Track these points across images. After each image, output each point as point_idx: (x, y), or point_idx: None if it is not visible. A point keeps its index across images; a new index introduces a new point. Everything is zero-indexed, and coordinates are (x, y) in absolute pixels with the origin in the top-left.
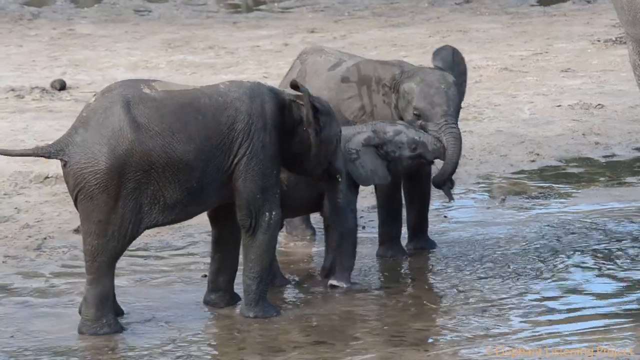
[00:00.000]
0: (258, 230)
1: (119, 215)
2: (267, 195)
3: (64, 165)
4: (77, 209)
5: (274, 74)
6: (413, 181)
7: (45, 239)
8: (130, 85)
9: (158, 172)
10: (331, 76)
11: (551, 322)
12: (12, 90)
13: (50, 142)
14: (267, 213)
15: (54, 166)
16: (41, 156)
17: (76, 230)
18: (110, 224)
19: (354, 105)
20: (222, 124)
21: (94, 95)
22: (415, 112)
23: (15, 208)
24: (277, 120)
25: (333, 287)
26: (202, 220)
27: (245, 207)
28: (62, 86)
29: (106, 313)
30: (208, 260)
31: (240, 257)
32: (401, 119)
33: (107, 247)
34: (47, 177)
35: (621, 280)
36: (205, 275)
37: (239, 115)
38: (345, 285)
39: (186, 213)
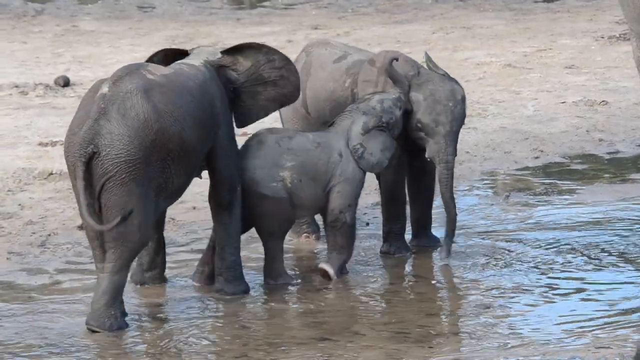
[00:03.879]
0: (234, 206)
1: (142, 202)
2: (236, 170)
3: (91, 157)
4: (100, 199)
5: None
6: (417, 178)
7: (49, 235)
8: (136, 72)
9: (173, 158)
10: (337, 68)
11: (554, 319)
12: (16, 86)
13: (55, 139)
14: (238, 188)
15: (58, 163)
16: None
17: (80, 227)
18: (135, 211)
19: (367, 88)
20: (206, 106)
21: (102, 83)
22: (417, 124)
23: (19, 205)
24: (227, 95)
25: (323, 272)
26: (205, 217)
27: (228, 184)
28: (65, 83)
29: (117, 305)
30: None
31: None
32: None
33: (129, 235)
34: (51, 174)
35: (625, 276)
36: None
37: (211, 98)
38: (334, 275)
39: (175, 199)
